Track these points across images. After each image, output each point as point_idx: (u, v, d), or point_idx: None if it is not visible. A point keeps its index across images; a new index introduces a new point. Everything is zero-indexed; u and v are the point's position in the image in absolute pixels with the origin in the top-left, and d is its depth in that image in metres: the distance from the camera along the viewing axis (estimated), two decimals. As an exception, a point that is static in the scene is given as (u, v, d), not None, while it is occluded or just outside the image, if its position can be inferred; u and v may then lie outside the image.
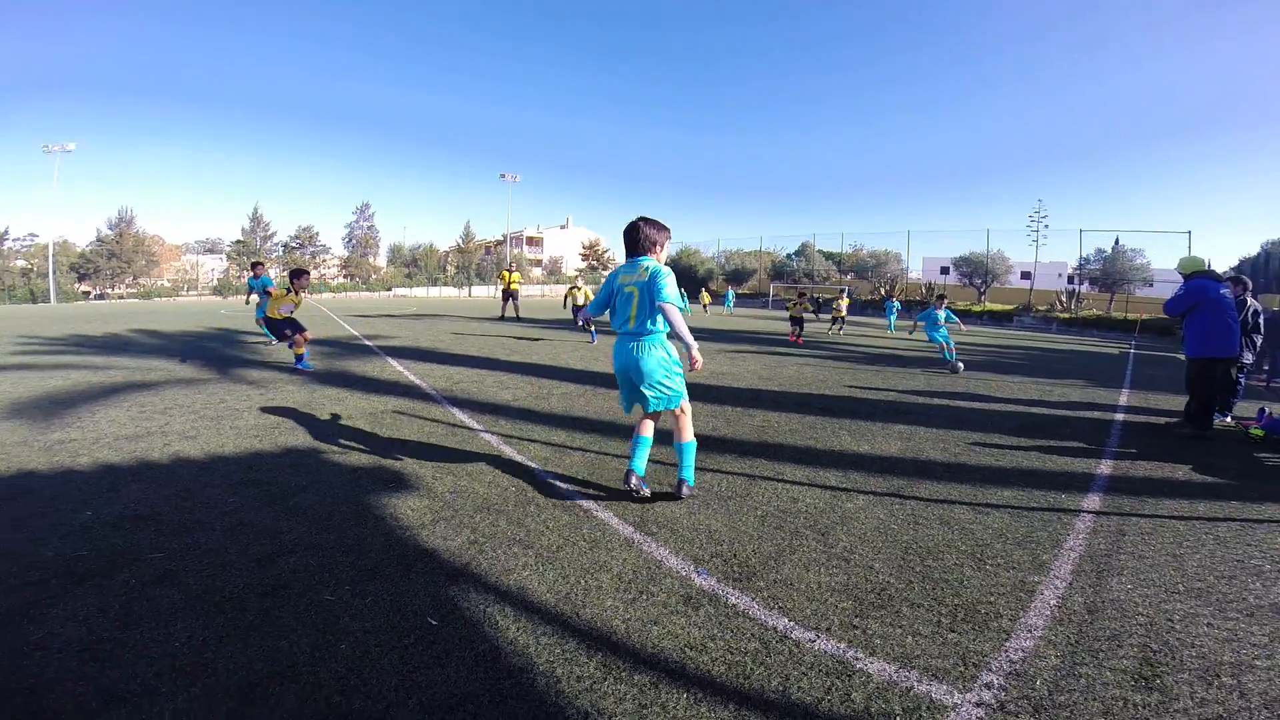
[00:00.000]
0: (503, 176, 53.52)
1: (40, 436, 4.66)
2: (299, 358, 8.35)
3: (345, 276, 51.93)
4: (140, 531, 2.98)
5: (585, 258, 61.41)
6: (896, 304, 20.59)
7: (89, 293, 42.12)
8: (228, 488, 3.63)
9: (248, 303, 11.69)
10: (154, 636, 2.12)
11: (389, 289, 49.67)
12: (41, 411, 5.53)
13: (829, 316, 18.57)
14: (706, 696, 1.89)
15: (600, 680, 1.96)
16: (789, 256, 48.10)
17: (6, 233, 41.76)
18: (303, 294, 8.71)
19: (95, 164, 75.84)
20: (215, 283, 46.88)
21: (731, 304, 30.87)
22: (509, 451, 4.52)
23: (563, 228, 70.40)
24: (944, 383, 8.31)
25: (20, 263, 41.62)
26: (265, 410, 5.70)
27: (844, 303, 17.96)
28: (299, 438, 4.78)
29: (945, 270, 35.65)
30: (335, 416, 5.51)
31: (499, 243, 59.88)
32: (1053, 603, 2.52)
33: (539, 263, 62.37)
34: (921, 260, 40.86)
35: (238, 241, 49.21)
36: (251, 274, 11.86)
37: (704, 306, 25.82)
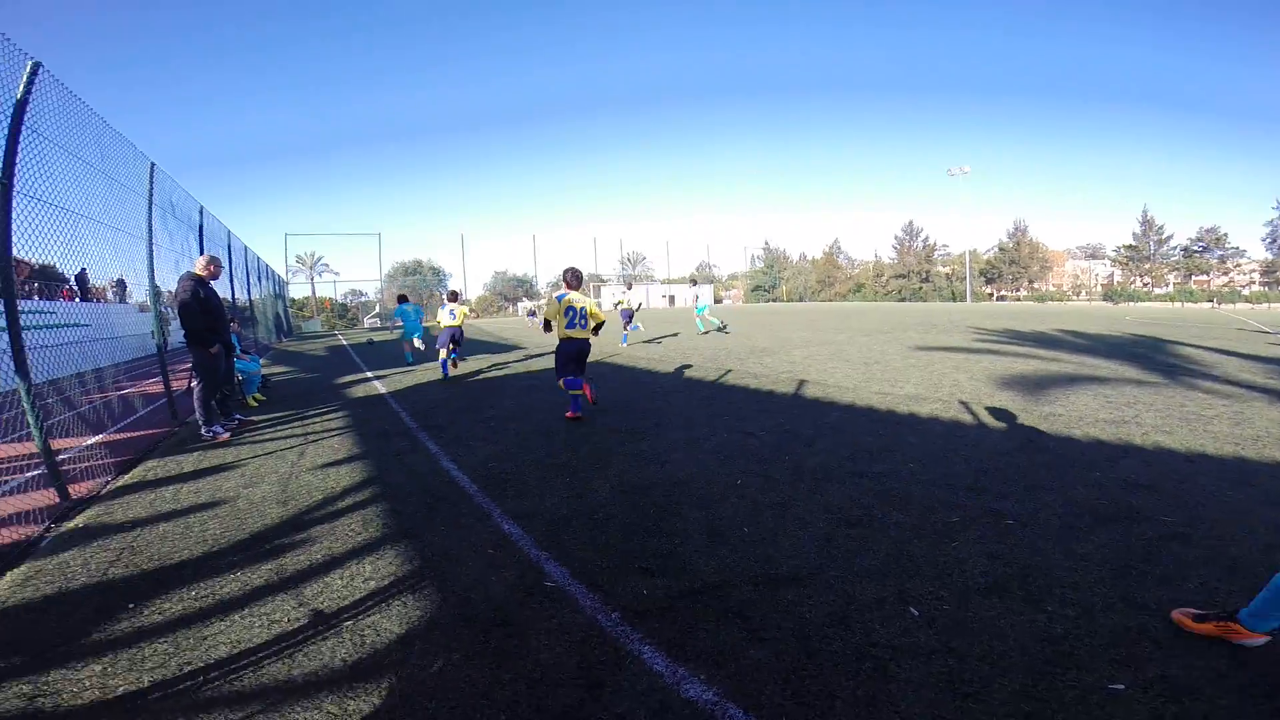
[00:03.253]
0: None
1: (1034, 408, 6.38)
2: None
3: (1266, 284, 41.05)
4: (1143, 496, 3.83)
5: None
6: None
7: (992, 294, 50.31)
8: (1222, 484, 4.05)
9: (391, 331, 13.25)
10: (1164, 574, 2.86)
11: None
12: (1023, 388, 7.51)
13: None
14: None
15: None
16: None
17: (936, 244, 54.97)
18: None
19: (988, 179, 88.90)
20: (1101, 288, 46.56)
21: None
22: None
23: None
24: None
25: (943, 269, 54.10)
26: (1238, 421, 5.68)
27: None
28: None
29: None
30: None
31: None
32: None
33: None
34: None
35: (1129, 246, 46.77)
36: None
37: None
